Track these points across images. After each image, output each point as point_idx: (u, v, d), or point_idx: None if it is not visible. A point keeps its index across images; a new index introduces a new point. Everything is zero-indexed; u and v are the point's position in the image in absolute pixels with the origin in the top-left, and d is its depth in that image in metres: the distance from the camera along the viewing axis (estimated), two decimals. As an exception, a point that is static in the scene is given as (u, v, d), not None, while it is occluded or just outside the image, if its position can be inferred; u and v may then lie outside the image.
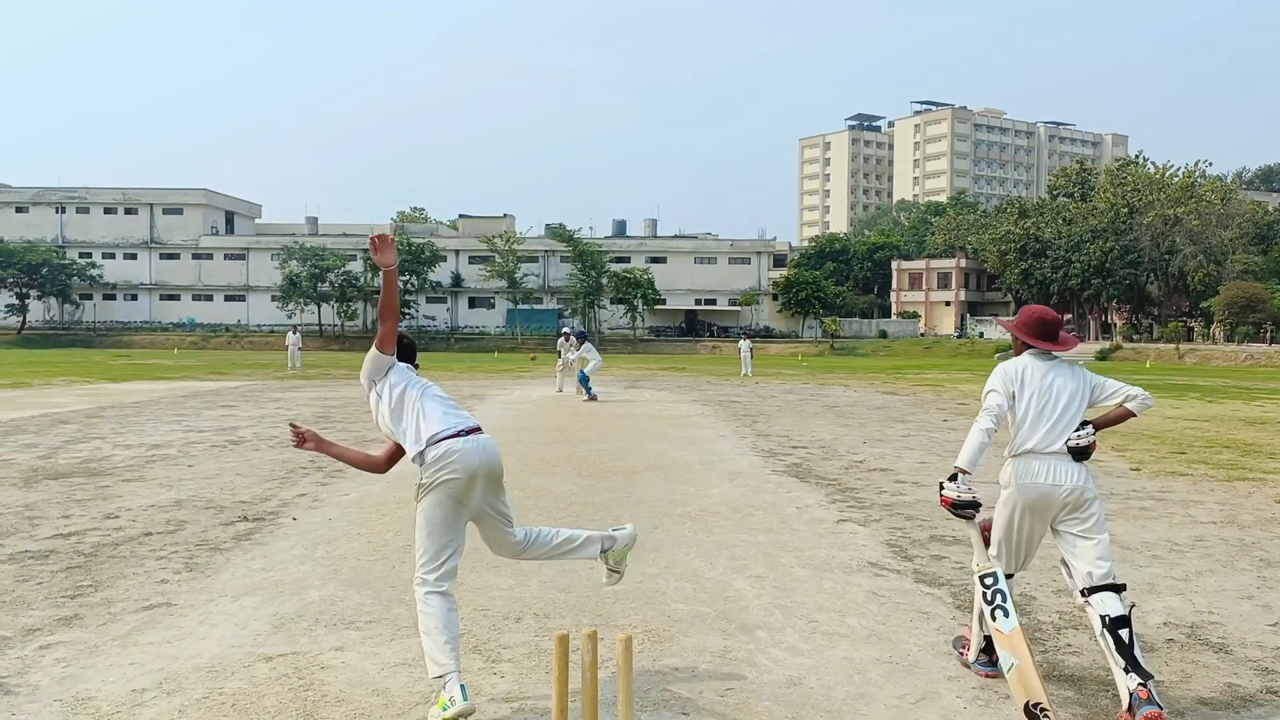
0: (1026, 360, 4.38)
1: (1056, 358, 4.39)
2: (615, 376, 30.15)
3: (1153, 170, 75.80)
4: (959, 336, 76.00)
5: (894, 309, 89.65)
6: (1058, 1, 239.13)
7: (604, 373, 23.10)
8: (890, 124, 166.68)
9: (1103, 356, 55.11)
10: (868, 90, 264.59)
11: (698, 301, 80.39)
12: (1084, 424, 4.27)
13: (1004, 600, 4.09)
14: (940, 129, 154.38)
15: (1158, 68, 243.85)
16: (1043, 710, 3.75)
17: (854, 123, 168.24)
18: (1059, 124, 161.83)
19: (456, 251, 79.62)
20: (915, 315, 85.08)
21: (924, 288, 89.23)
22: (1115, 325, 76.96)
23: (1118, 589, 4.04)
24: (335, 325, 73.48)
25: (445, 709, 3.72)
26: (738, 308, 79.44)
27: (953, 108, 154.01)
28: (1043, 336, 4.35)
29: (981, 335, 74.46)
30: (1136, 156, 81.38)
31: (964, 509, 4.17)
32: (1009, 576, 4.35)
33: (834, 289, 77.52)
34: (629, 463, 11.11)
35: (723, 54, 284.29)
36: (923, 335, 77.77)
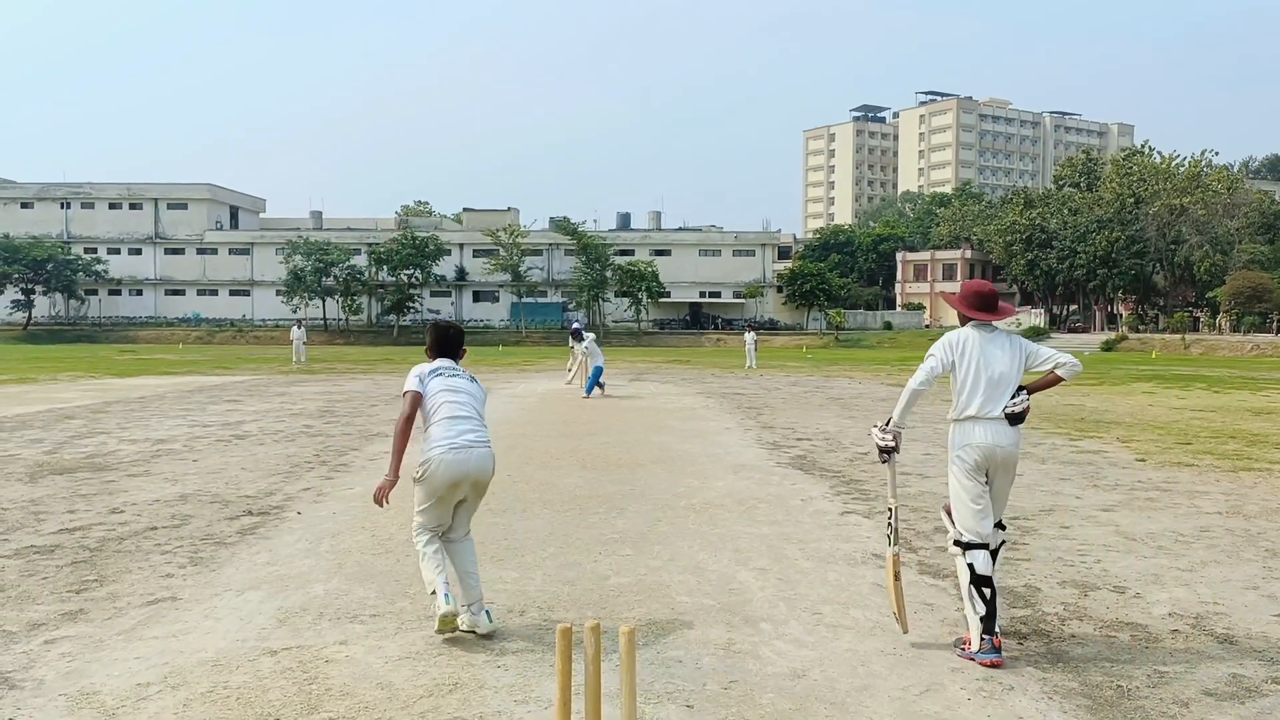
0: (968, 331, 4.76)
1: (996, 328, 4.79)
2: (619, 369, 30.14)
3: (1159, 160, 75.55)
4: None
5: (899, 301, 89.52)
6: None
7: (608, 366, 23.02)
8: (895, 115, 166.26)
9: (1108, 347, 54.96)
10: (872, 81, 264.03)
11: (702, 294, 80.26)
12: (1019, 389, 4.67)
13: (892, 531, 4.85)
14: (945, 119, 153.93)
15: (1164, 57, 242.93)
16: (897, 618, 4.74)
17: (858, 114, 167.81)
18: (1064, 114, 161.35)
19: (460, 245, 79.55)
20: (920, 307, 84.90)
21: (929, 279, 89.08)
22: (1121, 316, 76.78)
23: (1002, 526, 4.77)
24: (340, 319, 73.50)
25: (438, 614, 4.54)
26: (742, 300, 79.30)
27: (958, 98, 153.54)
28: (982, 309, 4.76)
29: (987, 326, 74.23)
30: (1142, 146, 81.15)
31: (886, 451, 4.78)
32: (987, 547, 4.59)
33: (838, 281, 77.34)
34: (634, 456, 11.11)
35: (727, 48, 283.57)
36: (928, 327, 77.60)
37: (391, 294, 72.57)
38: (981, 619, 4.45)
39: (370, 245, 74.35)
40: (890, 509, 4.89)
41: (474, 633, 4.74)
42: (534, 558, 6.25)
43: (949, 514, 4.78)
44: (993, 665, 4.38)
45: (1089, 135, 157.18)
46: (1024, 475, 9.80)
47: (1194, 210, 68.28)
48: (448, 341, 5.12)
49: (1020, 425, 4.67)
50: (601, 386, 19.80)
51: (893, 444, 4.75)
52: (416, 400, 4.85)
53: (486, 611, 4.82)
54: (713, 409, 17.41)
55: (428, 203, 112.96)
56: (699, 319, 78.84)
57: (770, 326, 73.36)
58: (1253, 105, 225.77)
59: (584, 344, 20.59)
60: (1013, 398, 4.63)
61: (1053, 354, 4.75)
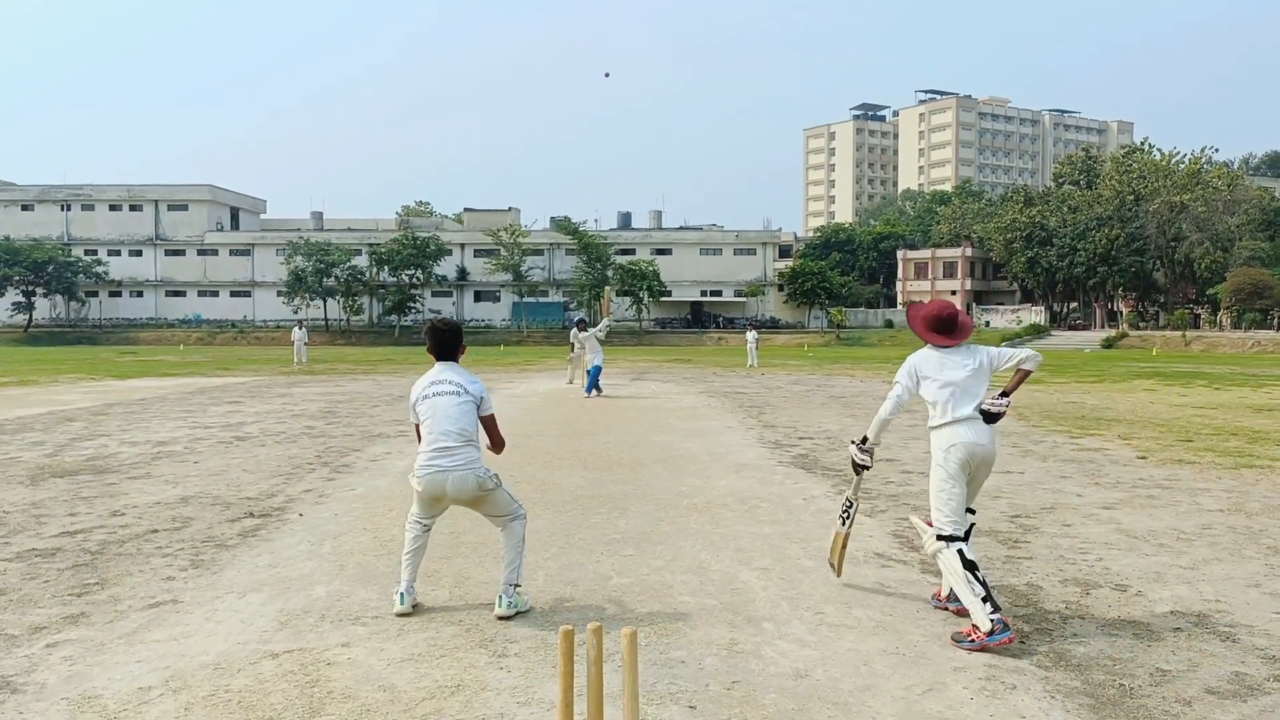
0: (928, 351, 5.11)
1: (955, 346, 5.10)
2: (621, 369, 30.16)
3: (1158, 157, 75.42)
4: (965, 325, 75.65)
5: (900, 299, 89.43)
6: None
7: (609, 365, 22.97)
8: (895, 113, 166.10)
9: (1109, 344, 54.94)
10: (872, 80, 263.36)
11: (703, 293, 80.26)
12: (1001, 395, 4.97)
13: (847, 515, 5.53)
14: (945, 118, 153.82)
15: (1163, 54, 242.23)
16: (834, 567, 5.63)
17: (858, 112, 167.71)
18: (1064, 112, 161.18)
19: (461, 245, 79.61)
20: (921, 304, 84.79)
21: (930, 277, 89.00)
22: (1121, 313, 76.69)
23: (972, 511, 5.13)
24: (341, 320, 73.54)
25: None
26: (743, 299, 79.31)
27: (957, 96, 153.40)
28: (941, 332, 5.07)
29: (988, 324, 74.25)
30: (1142, 143, 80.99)
31: (857, 468, 5.40)
32: (964, 538, 4.85)
33: (839, 279, 77.31)
34: (635, 455, 11.11)
35: (726, 44, 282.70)
36: (928, 325, 77.56)
37: (393, 294, 72.64)
38: (984, 599, 4.57)
39: (371, 246, 74.41)
40: (851, 500, 5.55)
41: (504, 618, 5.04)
42: (536, 558, 6.23)
43: (924, 521, 5.10)
44: (1009, 643, 4.47)
45: (1088, 133, 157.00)
46: (1025, 473, 9.81)
47: (1194, 207, 68.18)
48: (443, 343, 5.26)
49: (995, 424, 4.99)
50: (599, 389, 19.65)
51: (869, 464, 5.34)
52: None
53: (501, 595, 5.06)
54: (714, 408, 17.41)
55: (428, 203, 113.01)
56: (700, 318, 78.83)
57: (772, 325, 73.35)
58: (1252, 102, 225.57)
59: (585, 333, 20.44)
60: (994, 399, 4.93)
61: (1013, 352, 5.10)
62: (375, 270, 73.23)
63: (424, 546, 5.27)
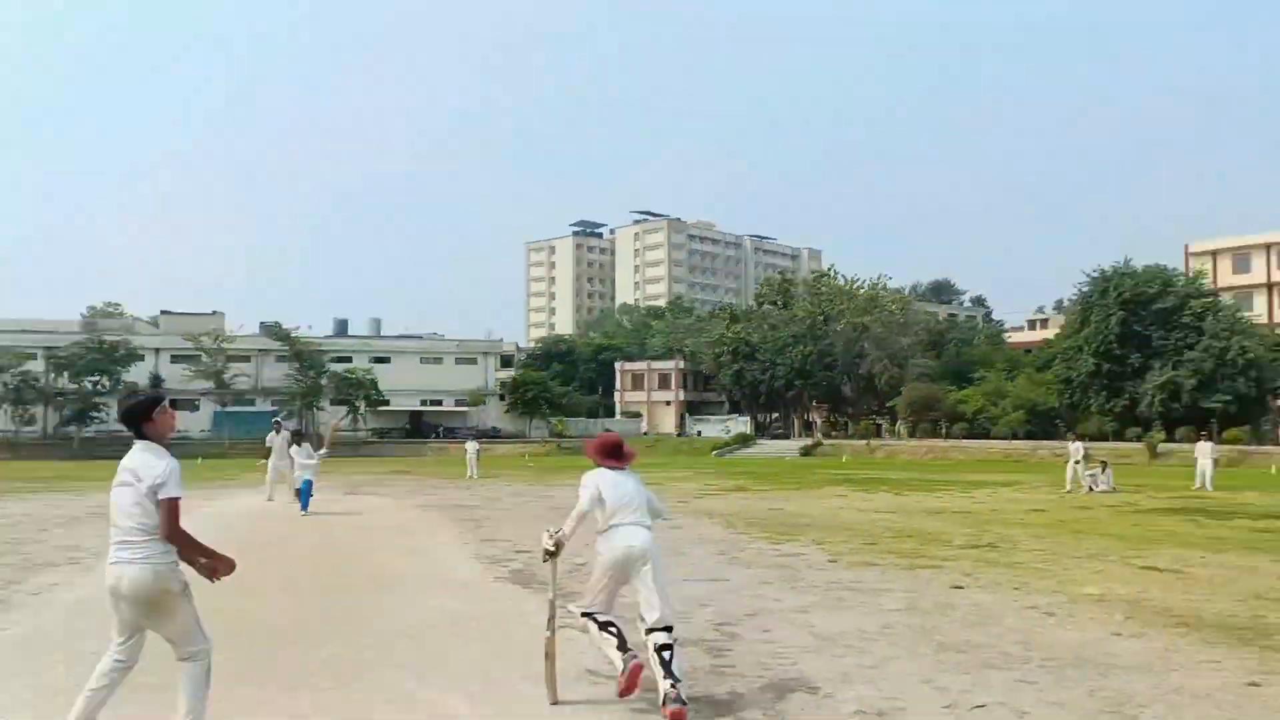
0: (601, 470, 6.13)
1: (623, 467, 6.17)
2: (333, 483, 28.70)
3: (843, 282, 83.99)
4: (679, 435, 79.31)
5: (618, 408, 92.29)
6: (756, 123, 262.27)
7: (321, 477, 21.60)
8: (612, 231, 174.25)
9: (806, 453, 59.45)
10: (590, 198, 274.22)
11: (424, 402, 78.82)
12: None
13: (550, 619, 5.90)
14: (657, 238, 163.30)
15: (847, 188, 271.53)
16: (548, 688, 5.73)
17: (578, 229, 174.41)
18: (763, 238, 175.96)
19: (157, 350, 73.71)
20: (638, 414, 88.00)
21: (646, 388, 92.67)
22: (816, 423, 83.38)
23: (669, 629, 5.61)
24: (9, 431, 65.12)
25: None
26: (465, 408, 78.67)
27: (668, 219, 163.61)
28: (610, 456, 6.19)
29: (699, 434, 78.08)
30: (829, 269, 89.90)
31: (548, 554, 5.90)
32: (604, 616, 5.78)
33: (561, 389, 78.86)
34: (341, 578, 10.51)
35: (449, 158, 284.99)
36: (645, 434, 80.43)
37: (72, 402, 65.52)
38: (617, 646, 5.53)
39: (49, 349, 67.10)
40: (550, 600, 6.02)
41: None
42: (222, 703, 5.65)
43: (586, 614, 5.86)
44: (639, 669, 5.46)
45: (784, 257, 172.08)
46: (730, 580, 10.25)
47: (873, 328, 76.20)
48: (128, 419, 4.88)
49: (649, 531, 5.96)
50: (305, 508, 18.36)
51: (554, 550, 5.86)
52: None
53: None
54: (431, 523, 16.92)
55: (120, 304, 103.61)
56: (421, 428, 77.13)
57: (493, 435, 72.99)
58: (919, 236, 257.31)
59: (301, 451, 19.31)
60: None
61: (660, 506, 6.29)
62: (53, 376, 65.90)
63: (112, 685, 4.67)
